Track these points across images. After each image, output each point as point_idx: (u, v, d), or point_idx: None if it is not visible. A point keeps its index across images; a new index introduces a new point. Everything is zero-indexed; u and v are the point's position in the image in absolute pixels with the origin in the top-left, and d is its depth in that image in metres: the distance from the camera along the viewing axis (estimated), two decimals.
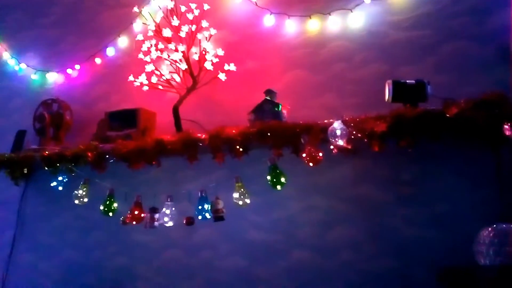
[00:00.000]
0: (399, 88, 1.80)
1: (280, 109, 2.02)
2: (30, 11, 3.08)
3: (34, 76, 2.93)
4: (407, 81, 1.80)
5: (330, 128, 1.75)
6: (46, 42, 2.98)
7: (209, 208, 2.04)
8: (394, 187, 1.98)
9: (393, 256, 1.94)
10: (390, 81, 1.82)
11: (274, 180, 1.90)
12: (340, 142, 1.73)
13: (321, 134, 1.80)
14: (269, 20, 2.33)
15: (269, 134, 1.88)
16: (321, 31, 2.24)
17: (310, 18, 2.25)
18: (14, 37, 3.10)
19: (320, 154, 1.80)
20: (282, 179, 1.90)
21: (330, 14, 2.21)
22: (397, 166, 1.98)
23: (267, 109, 2.03)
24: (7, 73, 3.06)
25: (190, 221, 2.08)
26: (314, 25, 2.25)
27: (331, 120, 1.79)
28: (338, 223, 2.06)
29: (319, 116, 1.91)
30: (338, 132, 1.73)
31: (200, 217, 2.05)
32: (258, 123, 1.95)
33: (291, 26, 2.29)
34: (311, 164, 1.80)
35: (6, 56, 3.06)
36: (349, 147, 1.74)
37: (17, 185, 2.68)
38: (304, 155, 1.81)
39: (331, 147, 1.76)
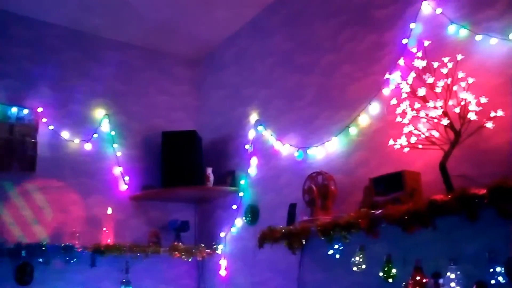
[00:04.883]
0: None
1: None
2: (286, 98, 3.51)
3: (297, 153, 3.26)
4: None
5: None
6: (304, 122, 3.31)
7: (502, 270, 1.83)
8: None
9: None
10: None
11: None
12: None
13: None
14: None
15: None
16: None
17: None
18: (276, 122, 3.55)
19: None
20: None
21: None
22: None
23: None
24: (274, 154, 3.50)
25: (483, 286, 1.90)
26: None
27: None
28: None
29: None
30: None
31: (492, 281, 1.85)
32: None
33: None
34: None
35: (272, 139, 3.51)
36: None
37: (294, 254, 2.94)
38: None
39: None
